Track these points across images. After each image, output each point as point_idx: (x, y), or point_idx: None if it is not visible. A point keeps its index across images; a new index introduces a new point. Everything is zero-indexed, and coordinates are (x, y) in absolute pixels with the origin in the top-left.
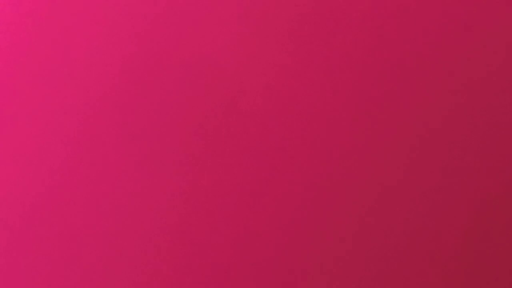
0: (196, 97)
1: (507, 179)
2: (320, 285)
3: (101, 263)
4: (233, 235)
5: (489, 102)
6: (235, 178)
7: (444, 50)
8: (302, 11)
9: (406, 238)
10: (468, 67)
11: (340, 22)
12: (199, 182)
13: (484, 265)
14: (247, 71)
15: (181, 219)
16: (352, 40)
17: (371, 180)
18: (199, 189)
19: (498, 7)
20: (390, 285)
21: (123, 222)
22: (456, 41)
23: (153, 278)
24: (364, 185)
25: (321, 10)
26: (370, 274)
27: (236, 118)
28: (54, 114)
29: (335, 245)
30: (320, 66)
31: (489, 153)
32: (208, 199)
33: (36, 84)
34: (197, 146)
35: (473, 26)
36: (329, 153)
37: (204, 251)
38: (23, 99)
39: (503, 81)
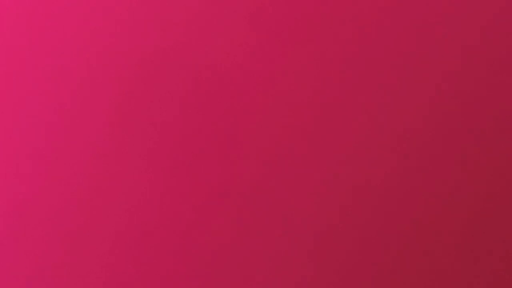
0: (198, 97)
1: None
2: (319, 284)
3: (100, 262)
4: (232, 232)
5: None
6: (235, 178)
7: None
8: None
9: (402, 237)
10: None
11: (336, 22)
12: (195, 182)
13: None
14: (248, 72)
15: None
16: (349, 41)
17: (365, 171)
18: (198, 189)
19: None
20: (389, 285)
21: (120, 219)
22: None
23: (149, 277)
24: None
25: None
26: (369, 273)
27: (237, 116)
28: (53, 113)
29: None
30: (318, 66)
31: (488, 150)
32: (207, 198)
33: (33, 82)
34: (196, 145)
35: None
36: (327, 150)
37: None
38: (20, 98)
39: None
